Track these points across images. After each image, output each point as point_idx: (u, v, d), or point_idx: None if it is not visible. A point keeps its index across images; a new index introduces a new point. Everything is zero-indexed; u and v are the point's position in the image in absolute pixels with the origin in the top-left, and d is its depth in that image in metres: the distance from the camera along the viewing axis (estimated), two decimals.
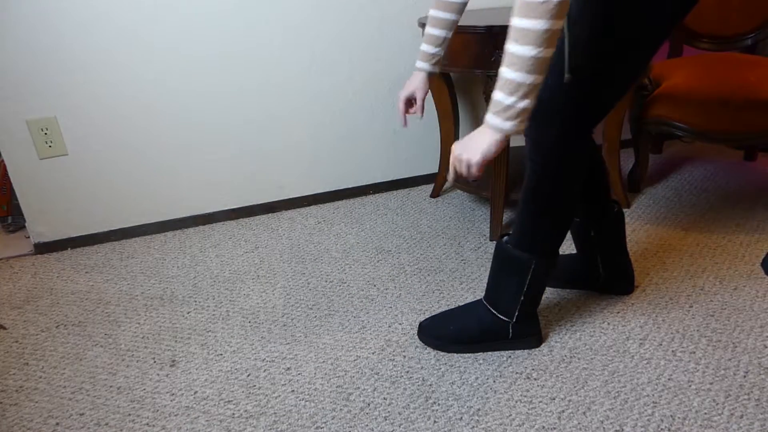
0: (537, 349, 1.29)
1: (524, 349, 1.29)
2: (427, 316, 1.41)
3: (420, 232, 1.87)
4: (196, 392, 1.22)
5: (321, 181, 2.12)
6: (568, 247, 1.71)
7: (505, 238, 1.24)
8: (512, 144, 2.32)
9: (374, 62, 2.01)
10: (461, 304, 1.47)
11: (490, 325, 1.27)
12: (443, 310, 1.45)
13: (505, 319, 1.27)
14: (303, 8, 1.88)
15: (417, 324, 1.40)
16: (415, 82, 1.37)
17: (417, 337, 1.34)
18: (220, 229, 1.99)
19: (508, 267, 1.23)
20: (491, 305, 1.28)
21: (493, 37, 1.55)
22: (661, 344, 1.28)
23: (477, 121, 2.24)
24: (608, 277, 1.44)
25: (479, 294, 1.51)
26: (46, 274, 1.75)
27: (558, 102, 1.08)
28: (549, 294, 1.49)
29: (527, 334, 1.29)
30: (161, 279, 1.69)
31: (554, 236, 1.20)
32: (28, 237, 1.96)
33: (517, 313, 1.25)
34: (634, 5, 1.00)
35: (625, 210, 1.92)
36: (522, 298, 1.23)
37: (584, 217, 1.38)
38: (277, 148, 2.02)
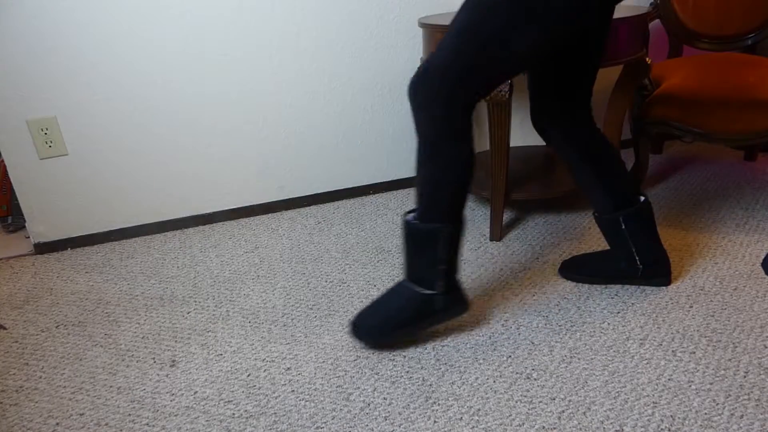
0: (537, 349, 1.29)
1: (457, 316, 1.31)
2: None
3: None
4: (196, 392, 1.22)
5: (321, 181, 2.12)
6: (601, 243, 1.71)
7: (410, 215, 1.24)
8: (512, 144, 2.32)
9: (374, 62, 2.01)
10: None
11: (421, 302, 1.27)
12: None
13: (429, 292, 1.26)
14: (303, 9, 1.88)
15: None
16: None
17: (353, 337, 1.32)
18: (220, 229, 1.99)
19: (420, 242, 1.22)
20: (416, 283, 1.27)
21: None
22: (661, 344, 1.28)
23: (477, 121, 2.24)
24: (646, 269, 1.45)
25: (479, 294, 1.51)
26: (46, 274, 1.75)
27: (437, 77, 1.07)
28: (549, 294, 1.49)
29: (452, 304, 1.29)
30: (161, 279, 1.69)
31: (461, 198, 1.19)
32: (28, 237, 1.96)
33: (443, 284, 1.25)
34: None
35: None
36: (442, 266, 1.23)
37: (611, 211, 1.39)
38: (277, 148, 2.02)
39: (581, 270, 1.52)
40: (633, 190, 1.38)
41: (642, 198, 1.40)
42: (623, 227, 1.39)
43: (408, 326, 1.28)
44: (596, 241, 1.73)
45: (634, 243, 1.41)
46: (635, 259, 1.43)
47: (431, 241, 1.21)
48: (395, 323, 1.27)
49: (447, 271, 1.24)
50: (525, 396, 1.16)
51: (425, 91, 1.09)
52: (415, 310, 1.27)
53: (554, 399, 1.15)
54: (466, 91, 1.08)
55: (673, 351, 1.26)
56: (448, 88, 1.07)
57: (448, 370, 1.25)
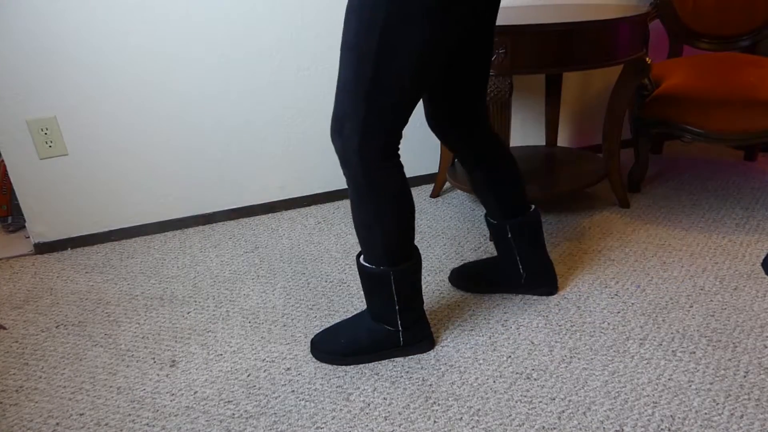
0: (537, 349, 1.29)
1: (417, 353, 1.29)
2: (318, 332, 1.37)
3: (420, 232, 1.87)
4: (196, 392, 1.22)
5: (321, 181, 2.12)
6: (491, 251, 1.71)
7: (362, 256, 1.22)
8: (512, 144, 2.32)
9: None
10: (460, 304, 1.47)
11: (380, 335, 1.26)
12: (442, 310, 1.45)
13: (391, 328, 1.26)
14: (303, 9, 1.88)
15: None
16: None
17: (311, 354, 1.31)
18: (220, 229, 1.99)
19: (371, 282, 1.21)
20: (374, 317, 1.27)
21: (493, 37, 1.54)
22: (661, 344, 1.28)
23: None
24: (529, 277, 1.45)
25: (479, 294, 1.51)
26: (46, 274, 1.75)
27: (350, 115, 1.06)
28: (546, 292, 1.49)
29: (418, 339, 1.28)
30: (161, 279, 1.69)
31: (396, 243, 1.16)
32: (28, 237, 1.96)
33: (400, 321, 1.24)
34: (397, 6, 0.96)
35: (625, 210, 1.92)
36: (397, 307, 1.22)
37: (499, 219, 1.39)
38: (277, 148, 2.02)
39: (468, 278, 1.52)
40: (523, 199, 1.37)
41: (532, 207, 1.40)
42: (509, 236, 1.39)
43: (365, 355, 1.27)
44: (596, 241, 1.73)
45: (519, 252, 1.42)
46: (519, 268, 1.44)
47: (380, 283, 1.20)
48: (353, 350, 1.27)
49: (404, 310, 1.23)
50: (525, 396, 1.16)
51: (340, 143, 1.09)
52: (375, 342, 1.26)
53: (554, 399, 1.15)
54: (375, 136, 1.07)
55: (673, 351, 1.26)
56: (356, 137, 1.06)
57: (448, 370, 1.25)
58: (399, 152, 1.14)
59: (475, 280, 1.50)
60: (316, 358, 1.30)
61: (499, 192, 1.35)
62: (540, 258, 1.44)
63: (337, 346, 1.28)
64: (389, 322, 1.25)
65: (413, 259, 1.21)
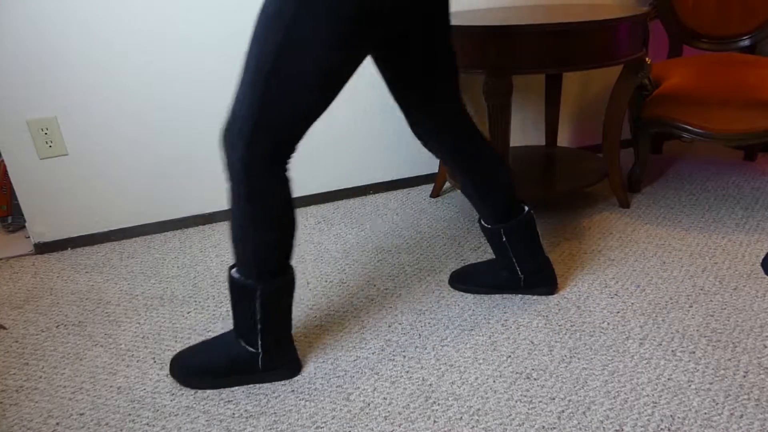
0: (537, 348, 1.29)
1: (278, 380, 1.22)
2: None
3: (420, 232, 1.87)
4: (196, 392, 1.22)
5: (321, 181, 2.12)
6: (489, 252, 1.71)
7: (234, 267, 1.15)
8: (512, 144, 2.32)
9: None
10: (460, 304, 1.47)
11: (238, 356, 1.19)
12: (442, 310, 1.45)
13: (252, 350, 1.19)
14: None
15: (418, 323, 1.40)
16: None
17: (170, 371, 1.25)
18: (220, 229, 1.99)
19: (238, 296, 1.15)
20: (238, 336, 1.20)
21: (493, 37, 1.55)
22: (661, 344, 1.28)
23: (477, 121, 2.24)
24: (527, 279, 1.44)
25: (479, 294, 1.51)
26: (46, 274, 1.75)
27: (241, 119, 1.01)
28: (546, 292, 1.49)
29: (279, 364, 1.21)
30: (161, 279, 1.69)
31: (268, 257, 1.11)
32: (28, 237, 1.96)
33: (261, 343, 1.17)
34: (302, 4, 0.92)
35: (625, 210, 1.92)
36: (260, 327, 1.15)
37: (493, 223, 1.37)
38: None
39: (467, 280, 1.51)
40: (515, 201, 1.36)
41: (526, 208, 1.38)
42: (504, 239, 1.38)
43: (224, 377, 1.21)
44: (596, 241, 1.73)
45: (515, 254, 1.40)
46: (516, 269, 1.43)
47: (245, 297, 1.13)
48: (211, 371, 1.21)
49: (266, 331, 1.17)
50: (525, 396, 1.16)
51: (226, 145, 1.03)
52: (234, 364, 1.20)
53: (554, 399, 1.15)
54: (263, 144, 1.01)
55: (672, 351, 1.26)
56: (241, 142, 1.01)
57: (448, 370, 1.25)
58: (287, 165, 1.07)
59: (474, 282, 1.50)
60: (173, 375, 1.24)
61: (490, 196, 1.33)
62: (537, 258, 1.43)
63: (193, 365, 1.22)
64: (250, 342, 1.18)
65: (286, 277, 1.14)
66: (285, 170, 1.07)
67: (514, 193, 1.35)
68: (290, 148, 1.05)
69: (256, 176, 1.03)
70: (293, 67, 0.96)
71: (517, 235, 1.38)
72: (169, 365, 1.25)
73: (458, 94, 1.25)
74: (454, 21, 1.67)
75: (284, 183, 1.07)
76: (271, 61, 0.96)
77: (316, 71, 0.97)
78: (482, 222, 1.41)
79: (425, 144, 1.30)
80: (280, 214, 1.08)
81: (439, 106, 1.23)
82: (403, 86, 1.21)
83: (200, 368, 1.22)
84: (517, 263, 1.42)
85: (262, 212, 1.06)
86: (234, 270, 1.14)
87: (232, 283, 1.14)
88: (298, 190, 2.10)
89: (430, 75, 1.18)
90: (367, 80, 2.03)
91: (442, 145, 1.28)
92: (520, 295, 1.49)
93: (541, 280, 1.46)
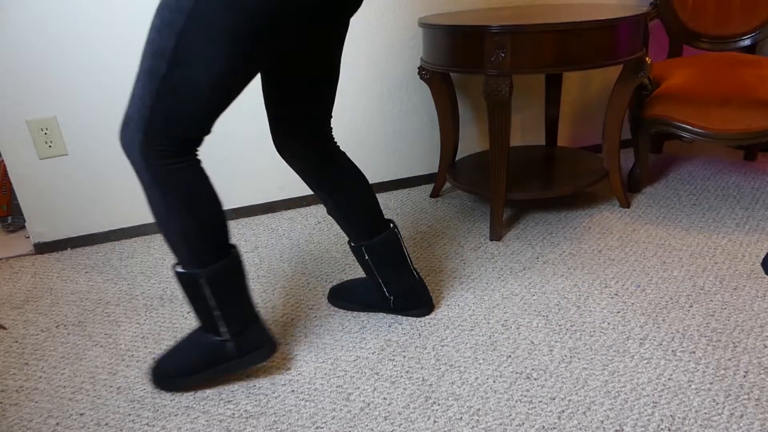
0: (537, 348, 1.29)
1: (259, 362, 1.22)
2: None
3: (420, 232, 1.87)
4: (196, 392, 1.22)
5: None
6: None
7: (176, 263, 1.14)
8: (512, 144, 2.32)
9: (374, 62, 2.01)
10: (460, 304, 1.47)
11: (211, 348, 1.19)
12: (442, 310, 1.45)
13: (220, 338, 1.17)
14: None
15: (418, 323, 1.40)
16: None
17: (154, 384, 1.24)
18: None
19: (186, 289, 1.14)
20: (205, 329, 1.19)
21: (493, 37, 1.55)
22: (661, 344, 1.28)
23: (477, 121, 2.24)
24: (397, 301, 1.40)
25: (479, 294, 1.51)
26: (46, 274, 1.75)
27: (138, 111, 0.99)
28: (549, 294, 1.49)
29: (255, 345, 1.20)
30: (161, 279, 1.69)
31: (199, 244, 1.09)
32: (28, 237, 1.96)
33: (227, 329, 1.17)
34: None
35: (625, 210, 1.92)
36: (218, 314, 1.14)
37: (355, 241, 1.34)
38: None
39: (343, 297, 1.48)
40: (380, 221, 1.32)
41: (391, 225, 1.35)
42: (366, 257, 1.34)
43: (202, 372, 1.20)
44: (596, 241, 1.73)
45: (381, 275, 1.36)
46: (384, 290, 1.39)
47: (193, 288, 1.12)
48: (185, 371, 1.20)
49: (227, 316, 1.16)
50: (525, 396, 1.16)
51: (127, 143, 1.02)
52: (206, 358, 1.19)
53: (554, 399, 1.15)
54: (160, 136, 1.00)
55: (672, 351, 1.26)
56: (139, 134, 0.99)
57: (448, 370, 1.25)
58: (196, 150, 1.06)
59: (349, 299, 1.47)
60: (154, 384, 1.23)
61: (352, 216, 1.30)
62: (405, 281, 1.38)
63: (170, 368, 1.21)
64: (216, 332, 1.17)
65: (229, 259, 1.13)
66: (191, 154, 1.05)
67: (379, 214, 1.32)
68: (192, 142, 1.04)
69: (160, 167, 1.02)
70: (187, 70, 0.95)
71: (381, 254, 1.34)
72: (150, 377, 1.23)
73: (330, 117, 1.24)
74: (454, 21, 1.67)
75: (191, 169, 1.05)
76: (166, 60, 0.94)
77: (209, 75, 0.96)
78: (349, 242, 1.37)
79: (287, 160, 1.27)
80: (195, 199, 1.06)
81: (311, 128, 1.21)
82: (280, 103, 1.18)
83: (179, 371, 1.21)
84: (384, 285, 1.38)
85: (174, 201, 1.04)
86: (176, 265, 1.13)
87: (178, 278, 1.13)
88: (298, 190, 2.10)
89: (310, 97, 1.17)
90: (367, 81, 2.03)
91: (306, 165, 1.25)
92: (520, 295, 1.49)
93: (412, 303, 1.41)
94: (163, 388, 1.23)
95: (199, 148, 1.06)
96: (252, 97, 1.92)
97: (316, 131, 1.23)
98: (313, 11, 0.99)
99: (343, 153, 1.30)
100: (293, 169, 1.28)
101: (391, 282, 1.38)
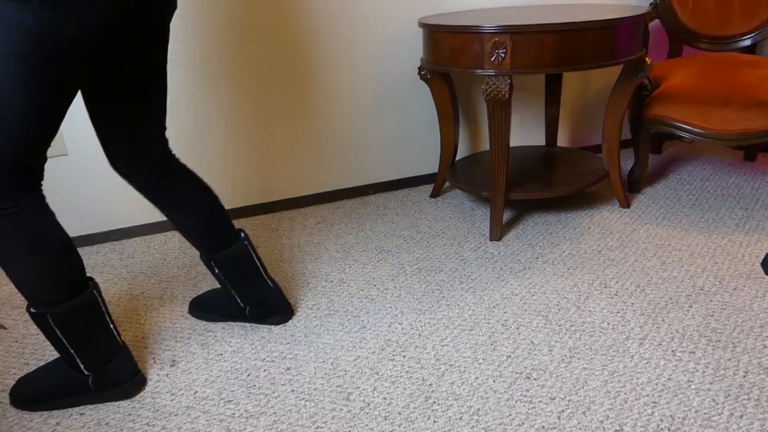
0: (537, 348, 1.29)
1: (118, 399, 1.20)
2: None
3: (420, 232, 1.87)
4: (196, 392, 1.22)
5: (321, 181, 2.12)
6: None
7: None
8: (512, 144, 2.32)
9: (374, 63, 2.02)
10: (460, 304, 1.47)
11: (70, 380, 1.18)
12: (442, 310, 1.45)
13: (77, 374, 1.17)
14: (302, 11, 1.88)
15: (418, 323, 1.40)
16: None
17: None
18: None
19: (39, 327, 1.12)
20: (64, 361, 1.17)
21: (493, 37, 1.55)
22: (661, 344, 1.28)
23: (477, 121, 2.24)
24: (253, 310, 1.40)
25: (479, 294, 1.51)
26: None
27: None
28: (549, 294, 1.49)
29: (115, 382, 1.19)
30: (161, 279, 1.69)
31: (43, 285, 1.07)
32: None
33: (82, 365, 1.15)
34: None
35: (625, 210, 1.92)
36: (73, 351, 1.13)
37: (205, 255, 1.33)
38: (276, 148, 2.02)
39: (204, 308, 1.47)
40: (227, 232, 1.31)
41: (242, 236, 1.34)
42: (216, 271, 1.34)
43: (51, 401, 1.19)
44: (596, 241, 1.73)
45: (233, 286, 1.36)
46: (238, 301, 1.39)
47: (44, 326, 1.10)
48: (47, 396, 1.19)
49: (82, 353, 1.14)
50: (525, 396, 1.16)
51: None
52: (65, 387, 1.18)
53: (554, 399, 1.15)
54: None
55: (672, 351, 1.26)
56: None
57: (448, 370, 1.25)
58: (35, 190, 1.03)
59: (208, 310, 1.46)
60: (11, 403, 1.21)
61: (196, 228, 1.28)
62: (259, 289, 1.38)
63: (28, 392, 1.20)
64: (73, 366, 1.16)
65: (80, 298, 1.10)
66: (29, 198, 1.02)
67: (227, 226, 1.31)
68: (20, 182, 0.99)
69: None
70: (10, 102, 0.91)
71: (231, 266, 1.34)
72: (9, 397, 1.22)
73: (163, 134, 1.22)
74: (454, 21, 1.67)
75: (29, 211, 1.02)
76: None
77: (12, 108, 0.93)
78: (201, 256, 1.36)
79: (125, 179, 1.24)
80: (34, 245, 1.03)
81: (142, 147, 1.19)
82: (107, 127, 1.16)
83: (36, 396, 1.20)
84: (237, 295, 1.38)
85: (16, 248, 1.02)
86: (28, 305, 1.11)
87: (30, 316, 1.10)
88: (298, 190, 2.11)
89: (134, 119, 1.15)
90: (367, 81, 2.03)
91: (142, 184, 1.23)
92: (520, 295, 1.49)
93: (269, 311, 1.41)
94: (22, 408, 1.21)
95: (37, 185, 1.02)
96: (250, 97, 1.93)
97: (148, 150, 1.20)
98: (85, 42, 0.94)
99: (184, 167, 1.26)
100: (132, 186, 1.24)
101: (245, 293, 1.38)
